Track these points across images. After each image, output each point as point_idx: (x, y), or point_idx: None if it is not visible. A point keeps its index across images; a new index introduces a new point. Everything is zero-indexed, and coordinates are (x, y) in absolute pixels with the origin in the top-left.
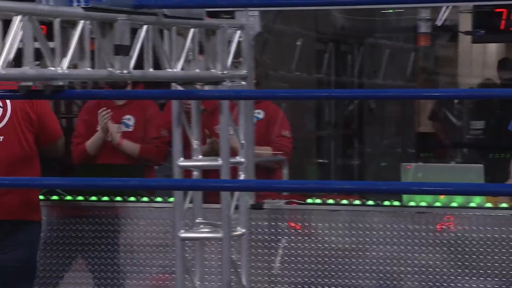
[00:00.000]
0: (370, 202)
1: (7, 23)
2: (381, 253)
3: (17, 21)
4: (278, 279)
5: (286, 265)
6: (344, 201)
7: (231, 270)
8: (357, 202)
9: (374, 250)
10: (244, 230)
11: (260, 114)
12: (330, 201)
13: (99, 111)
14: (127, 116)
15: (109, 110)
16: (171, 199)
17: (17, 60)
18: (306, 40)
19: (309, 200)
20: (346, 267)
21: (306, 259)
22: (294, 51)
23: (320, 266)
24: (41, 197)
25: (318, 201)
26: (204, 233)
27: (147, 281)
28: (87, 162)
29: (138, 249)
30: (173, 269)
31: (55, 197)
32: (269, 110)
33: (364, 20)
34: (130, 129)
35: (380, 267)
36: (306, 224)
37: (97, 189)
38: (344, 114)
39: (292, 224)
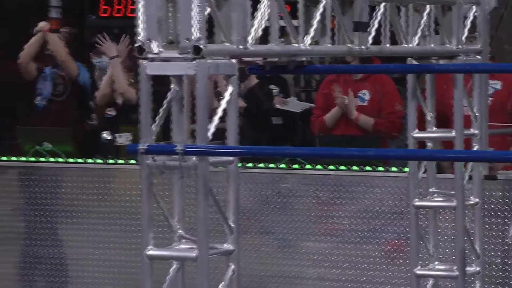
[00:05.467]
0: None
1: (255, 3)
2: None
3: (264, 1)
4: None
5: None
6: None
7: (465, 238)
8: None
9: None
10: (477, 200)
11: (497, 85)
12: None
13: (335, 88)
14: (363, 91)
15: (340, 88)
16: (406, 169)
17: (264, 38)
18: None
19: None
20: None
21: None
22: None
23: None
24: (283, 165)
25: None
26: (437, 202)
27: (383, 246)
28: (325, 132)
29: (374, 216)
30: (408, 236)
31: (296, 166)
32: (509, 80)
33: None
34: (365, 103)
35: None
36: None
37: (336, 158)
38: None
39: None
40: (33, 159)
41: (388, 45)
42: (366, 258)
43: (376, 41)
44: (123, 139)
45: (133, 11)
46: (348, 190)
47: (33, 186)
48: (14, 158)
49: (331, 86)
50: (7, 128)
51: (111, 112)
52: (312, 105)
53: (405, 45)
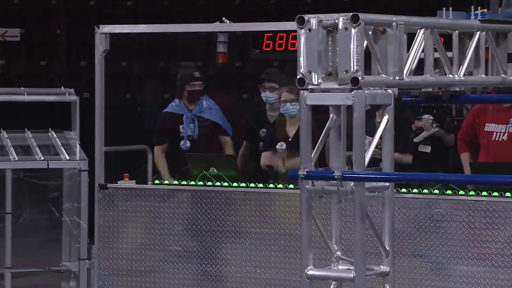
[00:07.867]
0: None
1: (409, 36)
2: None
3: (420, 33)
4: None
5: None
6: None
7: None
8: None
9: None
10: None
11: None
12: None
13: None
14: None
15: None
16: None
17: (418, 69)
18: None
19: None
20: None
21: None
22: None
23: None
24: (436, 191)
25: None
26: None
27: None
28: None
29: None
30: None
31: (449, 192)
32: None
33: None
34: None
35: None
36: None
37: (486, 184)
38: None
39: None
40: (200, 183)
41: None
42: None
43: None
44: None
45: (293, 45)
46: (501, 215)
47: (200, 208)
48: (184, 182)
49: (479, 114)
50: (179, 155)
51: None
52: (436, 129)
53: None
